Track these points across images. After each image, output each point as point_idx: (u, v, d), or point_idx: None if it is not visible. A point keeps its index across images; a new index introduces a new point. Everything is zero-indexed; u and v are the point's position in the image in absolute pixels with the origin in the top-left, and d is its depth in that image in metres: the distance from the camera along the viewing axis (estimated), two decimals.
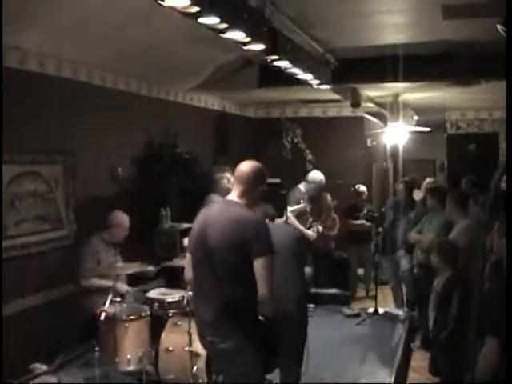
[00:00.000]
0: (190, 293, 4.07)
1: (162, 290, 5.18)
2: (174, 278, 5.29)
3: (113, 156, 6.08)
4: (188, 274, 3.53)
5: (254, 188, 3.41)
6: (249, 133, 9.54)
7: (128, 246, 5.55)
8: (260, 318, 3.24)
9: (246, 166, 3.43)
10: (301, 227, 6.94)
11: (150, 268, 5.40)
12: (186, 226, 6.02)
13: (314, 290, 7.21)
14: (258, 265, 3.15)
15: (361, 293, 8.51)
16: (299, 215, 7.03)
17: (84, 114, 5.64)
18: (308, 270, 6.06)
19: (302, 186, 7.34)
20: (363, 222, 7.99)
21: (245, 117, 9.86)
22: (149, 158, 6.51)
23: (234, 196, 3.43)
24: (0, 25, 3.97)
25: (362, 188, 8.39)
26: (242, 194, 3.39)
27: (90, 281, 5.08)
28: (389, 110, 8.80)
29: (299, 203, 7.08)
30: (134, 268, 5.10)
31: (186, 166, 6.74)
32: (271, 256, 3.20)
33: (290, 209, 6.91)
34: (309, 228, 7.20)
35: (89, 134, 5.70)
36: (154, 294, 5.04)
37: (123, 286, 5.24)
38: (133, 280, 5.44)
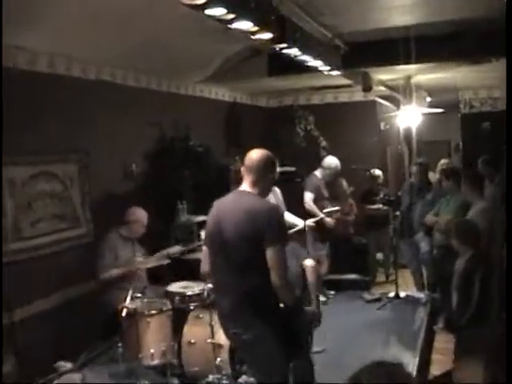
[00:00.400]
0: (210, 285, 4.11)
1: (183, 283, 5.16)
2: (192, 271, 5.29)
3: (125, 152, 6.09)
4: (205, 266, 3.57)
5: (264, 176, 3.40)
6: (261, 122, 9.49)
7: (145, 242, 5.56)
8: (280, 305, 3.25)
9: (255, 155, 3.41)
10: (319, 213, 6.97)
11: (176, 248, 5.45)
12: (202, 218, 5.99)
13: (333, 277, 7.24)
14: (270, 253, 3.17)
15: (381, 277, 8.46)
16: (316, 201, 7.09)
17: (94, 112, 5.62)
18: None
19: (317, 173, 7.35)
20: (380, 206, 7.91)
21: (256, 106, 9.82)
22: (161, 153, 6.53)
23: (245, 186, 3.42)
24: (0, 24, 3.95)
25: (378, 172, 8.35)
26: (254, 184, 3.39)
27: (110, 272, 5.07)
28: (401, 92, 8.71)
29: (318, 189, 7.15)
30: (152, 262, 5.15)
31: (199, 158, 6.77)
32: (282, 244, 3.21)
33: (305, 199, 6.97)
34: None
35: (101, 132, 5.70)
36: (174, 287, 5.04)
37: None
38: (152, 277, 5.44)
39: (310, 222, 6.38)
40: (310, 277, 6.01)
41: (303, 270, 4.96)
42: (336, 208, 7.31)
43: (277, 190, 6.40)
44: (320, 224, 6.73)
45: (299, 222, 6.11)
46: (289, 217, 6.06)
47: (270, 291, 3.21)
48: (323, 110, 9.52)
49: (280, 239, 3.22)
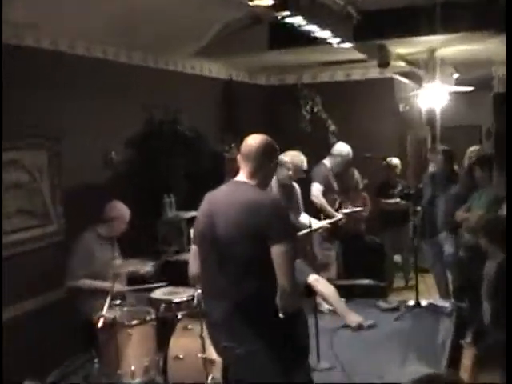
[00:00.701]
0: (200, 290, 4.08)
1: (169, 288, 5.20)
2: (181, 275, 5.32)
3: (104, 138, 6.07)
4: (193, 269, 3.57)
5: (264, 165, 3.42)
6: (261, 103, 9.46)
7: (126, 241, 5.56)
8: (280, 314, 3.21)
9: (253, 141, 3.43)
10: (330, 209, 7.01)
11: (152, 264, 5.39)
12: (193, 214, 6.01)
13: (343, 282, 7.20)
14: (276, 252, 3.16)
15: (399, 283, 8.43)
16: (324, 194, 7.11)
17: (68, 91, 5.60)
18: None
19: (326, 161, 7.38)
20: (397, 200, 7.89)
21: (255, 85, 9.79)
22: (146, 138, 6.52)
23: (242, 176, 3.44)
24: (0, 24, 4.00)
25: (395, 161, 8.31)
26: (252, 174, 3.40)
27: (80, 282, 5.06)
28: (423, 68, 8.66)
29: (327, 180, 7.19)
30: (134, 265, 5.13)
31: (190, 144, 6.76)
32: (290, 241, 3.21)
33: (314, 192, 7.01)
34: (337, 210, 7.22)
35: (75, 114, 5.68)
36: (159, 293, 5.06)
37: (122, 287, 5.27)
38: (133, 280, 5.42)
39: (326, 223, 6.49)
40: (326, 289, 6.07)
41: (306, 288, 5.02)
42: (358, 209, 7.31)
43: (296, 187, 6.45)
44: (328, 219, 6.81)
45: (315, 223, 6.18)
46: (305, 219, 6.22)
47: (270, 298, 3.20)
48: (332, 89, 9.43)
49: (288, 236, 3.24)
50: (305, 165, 6.35)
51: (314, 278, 5.77)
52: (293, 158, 6.24)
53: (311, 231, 5.98)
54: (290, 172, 6.20)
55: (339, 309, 6.16)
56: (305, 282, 5.52)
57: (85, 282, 5.07)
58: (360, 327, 6.03)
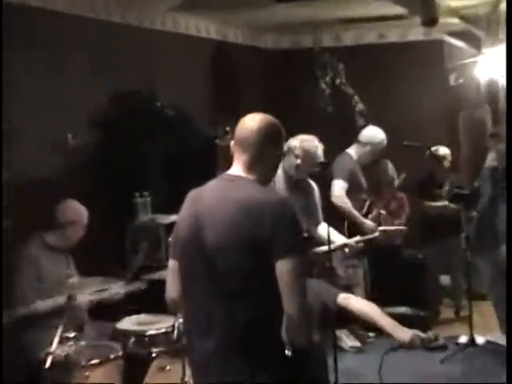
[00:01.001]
0: (181, 319, 4.10)
1: (141, 317, 5.24)
2: (157, 299, 5.33)
3: (59, 115, 6.11)
4: (172, 291, 3.56)
5: (266, 155, 3.40)
6: (264, 73, 9.48)
7: (85, 254, 5.58)
8: (287, 351, 3.16)
9: (251, 123, 3.41)
10: (357, 215, 7.03)
11: (120, 284, 5.38)
12: (174, 218, 5.99)
13: None
14: (281, 270, 3.12)
15: (447, 313, 8.40)
16: (349, 194, 7.10)
17: (14, 50, 5.59)
18: None
19: (352, 151, 7.39)
20: (446, 203, 7.88)
21: (257, 49, 9.81)
22: (115, 117, 6.63)
23: (237, 169, 3.41)
24: (0, 24, 3.98)
25: (443, 151, 8.30)
26: (250, 166, 3.38)
27: (32, 306, 5.03)
28: (483, 27, 8.68)
29: (353, 175, 7.16)
30: (95, 285, 5.13)
31: (172, 126, 6.88)
32: (300, 255, 3.18)
33: (336, 192, 6.99)
34: (366, 215, 7.24)
35: (18, 86, 5.66)
36: (127, 323, 5.08)
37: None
38: (94, 306, 5.40)
39: (354, 240, 6.38)
40: (363, 305, 5.99)
41: (327, 310, 4.98)
42: (401, 227, 7.35)
43: (313, 186, 6.36)
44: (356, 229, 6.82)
45: (339, 239, 6.19)
46: (324, 230, 6.03)
47: (273, 329, 3.17)
48: (360, 54, 9.46)
49: (298, 248, 3.20)
50: (319, 153, 6.18)
51: (343, 297, 5.63)
52: (303, 142, 6.12)
53: (330, 251, 5.78)
54: (299, 161, 6.08)
55: (386, 325, 6.01)
56: (335, 306, 5.44)
57: (38, 304, 5.05)
58: (416, 343, 5.91)
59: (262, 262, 3.15)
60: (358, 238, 6.49)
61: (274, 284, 3.14)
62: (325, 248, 5.83)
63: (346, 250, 6.40)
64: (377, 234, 6.87)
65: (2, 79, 4.78)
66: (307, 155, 6.10)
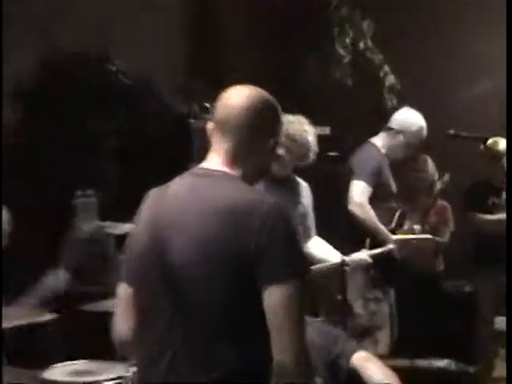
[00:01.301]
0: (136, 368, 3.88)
1: (79, 363, 5.38)
2: (102, 338, 5.39)
3: None
4: (122, 328, 3.48)
5: (255, 143, 3.42)
6: (258, 28, 9.34)
7: (6, 273, 5.65)
8: None
9: (237, 98, 3.40)
10: (382, 228, 6.91)
11: (51, 316, 5.54)
12: (129, 227, 6.13)
13: (404, 362, 7.08)
14: (271, 299, 3.14)
15: (504, 368, 8.41)
16: (372, 200, 6.90)
17: None
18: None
19: (379, 142, 7.20)
20: (505, 216, 7.78)
21: None
22: (47, 87, 6.50)
23: (215, 161, 3.40)
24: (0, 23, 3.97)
25: (503, 145, 8.18)
26: (233, 157, 3.40)
27: None
28: None
29: (379, 173, 7.10)
30: (19, 317, 5.40)
31: (131, 100, 6.73)
32: (298, 281, 3.18)
33: (355, 198, 6.89)
34: (394, 231, 7.08)
35: None
36: (60, 372, 5.20)
37: None
38: (17, 344, 5.58)
39: (364, 256, 6.50)
40: (382, 376, 5.96)
41: (334, 369, 4.96)
42: (427, 236, 7.32)
43: (303, 184, 6.51)
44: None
45: (335, 256, 6.20)
46: (317, 246, 6.23)
47: (260, 378, 3.23)
48: (393, 7, 9.24)
49: (295, 270, 3.19)
50: (311, 140, 6.12)
51: (361, 357, 5.43)
52: (287, 124, 5.69)
53: (331, 267, 5.96)
54: (281, 151, 5.88)
55: None
56: (347, 365, 5.38)
57: None
58: None
59: (248, 289, 3.21)
60: (361, 253, 6.56)
61: (261, 319, 3.20)
62: (325, 265, 6.13)
63: (347, 268, 6.34)
64: (391, 246, 6.84)
65: (2, 79, 4.72)
66: (293, 143, 6.12)
